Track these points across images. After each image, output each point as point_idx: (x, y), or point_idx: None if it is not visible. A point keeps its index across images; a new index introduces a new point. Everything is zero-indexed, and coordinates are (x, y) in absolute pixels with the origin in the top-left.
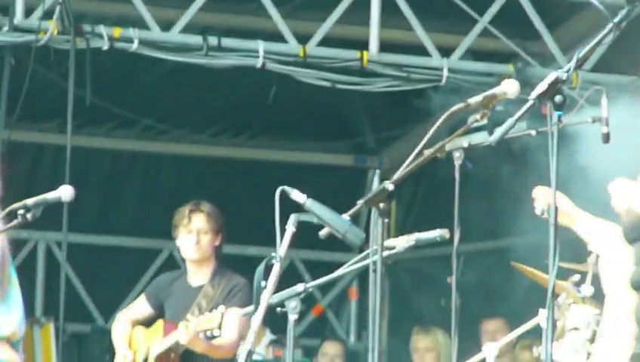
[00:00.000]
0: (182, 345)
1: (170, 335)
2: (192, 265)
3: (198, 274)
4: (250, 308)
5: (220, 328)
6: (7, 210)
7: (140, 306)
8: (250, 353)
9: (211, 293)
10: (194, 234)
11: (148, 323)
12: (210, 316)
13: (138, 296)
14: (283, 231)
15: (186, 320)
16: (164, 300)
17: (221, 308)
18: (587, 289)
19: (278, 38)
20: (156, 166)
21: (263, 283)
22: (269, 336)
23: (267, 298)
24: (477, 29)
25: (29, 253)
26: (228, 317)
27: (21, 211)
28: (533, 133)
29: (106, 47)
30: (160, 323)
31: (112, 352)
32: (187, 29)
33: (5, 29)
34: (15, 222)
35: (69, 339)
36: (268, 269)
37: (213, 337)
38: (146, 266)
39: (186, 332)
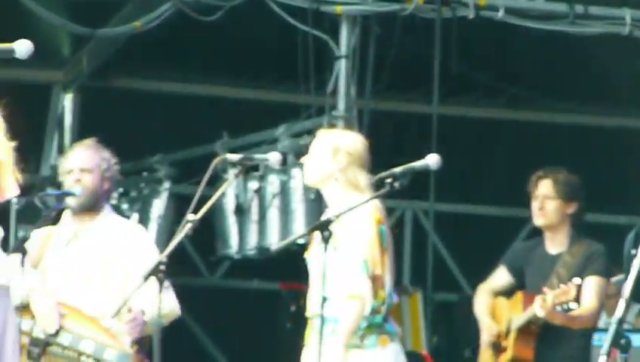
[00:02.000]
0: (540, 318)
1: (529, 309)
2: (546, 232)
3: (554, 242)
4: (620, 276)
5: (575, 301)
6: (376, 178)
7: (500, 276)
8: (621, 321)
9: (570, 262)
10: (538, 200)
11: (509, 292)
12: (565, 289)
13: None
14: None
15: (543, 293)
16: (525, 268)
17: (576, 280)
18: None
19: None
20: (523, 134)
21: (633, 251)
22: (637, 306)
23: (638, 266)
24: None
25: (396, 221)
26: (586, 286)
27: (389, 180)
28: None
29: (471, 15)
30: (519, 295)
31: (478, 322)
32: None
33: None
34: (383, 190)
35: (437, 308)
36: (638, 237)
37: (570, 309)
38: (513, 235)
39: (543, 306)
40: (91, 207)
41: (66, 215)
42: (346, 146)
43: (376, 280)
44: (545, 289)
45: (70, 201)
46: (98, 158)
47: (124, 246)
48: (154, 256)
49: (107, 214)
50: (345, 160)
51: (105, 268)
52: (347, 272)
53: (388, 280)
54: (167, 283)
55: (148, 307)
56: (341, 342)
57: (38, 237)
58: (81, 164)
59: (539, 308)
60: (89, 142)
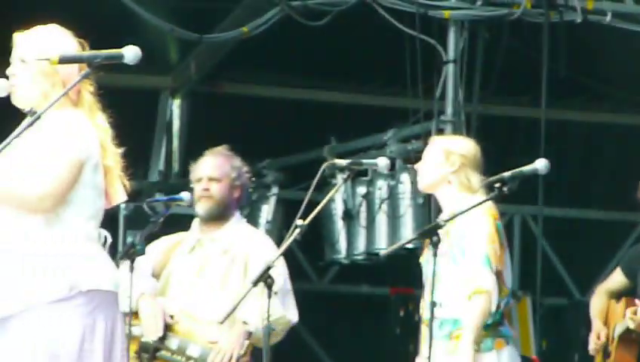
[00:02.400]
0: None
1: (624, 319)
2: None
3: None
4: None
5: None
6: (485, 182)
7: (616, 278)
8: None
9: None
10: None
11: (625, 294)
12: None
13: (614, 269)
14: None
15: (635, 305)
16: (638, 271)
17: None
18: None
19: None
20: (632, 138)
21: None
22: None
23: None
24: None
25: (504, 226)
26: None
27: (498, 184)
28: None
29: (579, 19)
30: (623, 301)
31: (587, 325)
32: None
33: (479, 3)
34: (492, 194)
35: (546, 313)
36: None
37: None
38: (622, 240)
39: (634, 319)
40: (219, 215)
41: (195, 222)
42: (458, 149)
43: (499, 276)
44: (637, 300)
45: (199, 209)
46: (227, 167)
47: (247, 254)
48: (277, 265)
49: (235, 222)
50: (458, 161)
51: (227, 275)
52: (469, 269)
53: (508, 276)
54: (280, 289)
55: (252, 316)
56: (469, 339)
57: (167, 243)
58: (210, 172)
59: (629, 320)
60: (220, 149)
